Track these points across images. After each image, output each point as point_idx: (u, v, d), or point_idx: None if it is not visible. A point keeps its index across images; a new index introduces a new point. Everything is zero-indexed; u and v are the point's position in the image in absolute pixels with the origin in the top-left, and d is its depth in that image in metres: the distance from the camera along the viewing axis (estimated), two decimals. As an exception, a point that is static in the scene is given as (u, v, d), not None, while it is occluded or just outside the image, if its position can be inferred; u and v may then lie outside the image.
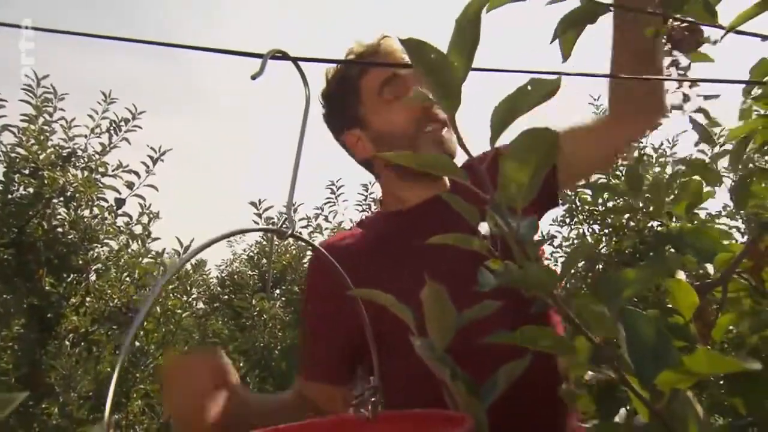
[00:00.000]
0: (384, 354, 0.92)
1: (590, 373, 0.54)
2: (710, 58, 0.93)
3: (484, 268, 0.42)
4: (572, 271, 3.16)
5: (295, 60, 0.39)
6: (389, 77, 0.98)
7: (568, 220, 3.28)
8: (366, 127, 1.03)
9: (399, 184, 1.04)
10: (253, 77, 0.37)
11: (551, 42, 0.67)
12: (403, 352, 0.89)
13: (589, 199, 3.20)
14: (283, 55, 0.39)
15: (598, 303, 0.39)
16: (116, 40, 0.53)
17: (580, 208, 3.21)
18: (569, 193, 3.25)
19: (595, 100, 3.17)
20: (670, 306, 0.46)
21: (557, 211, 3.29)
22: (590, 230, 3.21)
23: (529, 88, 0.34)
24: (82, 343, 2.08)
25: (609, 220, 3.03)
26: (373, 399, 0.45)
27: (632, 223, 2.76)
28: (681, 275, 0.47)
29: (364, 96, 1.01)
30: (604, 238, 3.06)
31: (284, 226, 0.37)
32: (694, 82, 0.88)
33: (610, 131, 0.97)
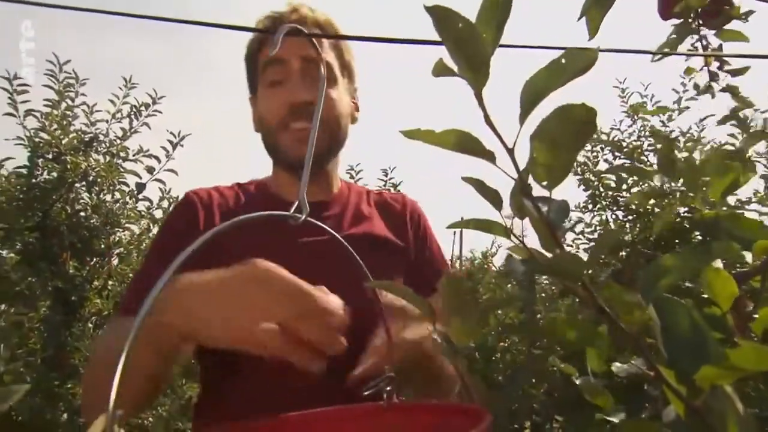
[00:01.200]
0: None
1: (617, 365, 0.52)
2: (744, 37, 0.87)
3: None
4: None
5: (309, 36, 0.37)
6: (269, 61, 0.95)
7: (590, 206, 3.22)
8: (255, 104, 1.02)
9: (280, 173, 1.00)
10: (269, 54, 0.35)
11: (579, 19, 0.64)
12: None
13: (613, 184, 3.14)
14: (297, 32, 0.37)
15: (629, 292, 0.37)
16: (124, 16, 0.51)
17: (603, 194, 3.15)
18: (592, 178, 3.20)
19: (620, 83, 3.10)
20: (705, 296, 0.43)
21: (580, 197, 3.23)
22: (613, 216, 3.15)
23: (563, 61, 0.32)
24: (105, 326, 2.11)
25: (633, 206, 2.98)
26: (388, 388, 0.44)
27: (657, 209, 2.70)
28: (718, 263, 0.45)
29: (258, 73, 0.99)
30: (627, 225, 3.00)
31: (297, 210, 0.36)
32: (722, 60, 0.83)
33: None
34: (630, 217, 3.02)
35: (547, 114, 0.30)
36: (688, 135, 3.04)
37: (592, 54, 0.33)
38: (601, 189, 3.15)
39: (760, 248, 0.49)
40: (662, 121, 3.06)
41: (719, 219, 0.55)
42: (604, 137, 3.23)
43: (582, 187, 3.21)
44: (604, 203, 3.18)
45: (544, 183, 0.32)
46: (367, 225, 1.00)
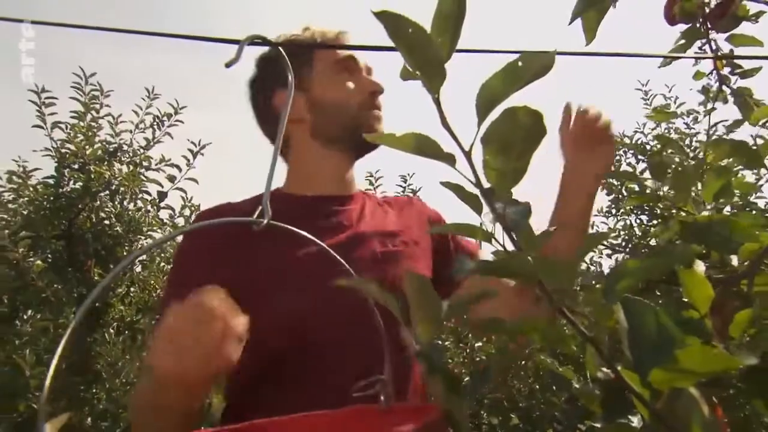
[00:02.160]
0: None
1: (604, 370, 0.51)
2: (758, 41, 0.85)
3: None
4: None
5: (275, 45, 0.38)
6: (347, 57, 1.03)
7: (614, 211, 3.17)
8: (308, 91, 1.04)
9: (317, 155, 1.04)
10: (228, 65, 0.36)
11: (570, 23, 0.63)
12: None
13: (637, 188, 3.08)
14: (263, 41, 0.38)
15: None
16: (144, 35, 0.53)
17: (626, 198, 3.09)
18: (615, 182, 3.14)
19: (643, 85, 3.05)
20: (686, 300, 0.43)
21: (602, 201, 3.18)
22: (638, 221, 3.09)
23: (519, 63, 0.32)
24: (127, 332, 2.16)
25: (658, 210, 2.91)
26: (386, 390, 0.45)
27: (683, 213, 2.64)
28: (700, 266, 0.44)
29: (316, 62, 1.04)
30: (652, 229, 2.94)
31: (260, 216, 0.37)
32: (733, 63, 0.81)
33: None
34: (655, 222, 2.96)
35: (495, 118, 0.30)
36: (714, 136, 2.97)
37: (550, 56, 0.33)
38: (625, 193, 3.09)
39: (747, 252, 0.48)
40: (687, 124, 3.00)
41: (711, 223, 0.54)
42: (627, 140, 3.18)
43: (605, 191, 3.16)
44: (628, 207, 3.13)
45: (498, 187, 0.32)
46: (384, 219, 1.06)
